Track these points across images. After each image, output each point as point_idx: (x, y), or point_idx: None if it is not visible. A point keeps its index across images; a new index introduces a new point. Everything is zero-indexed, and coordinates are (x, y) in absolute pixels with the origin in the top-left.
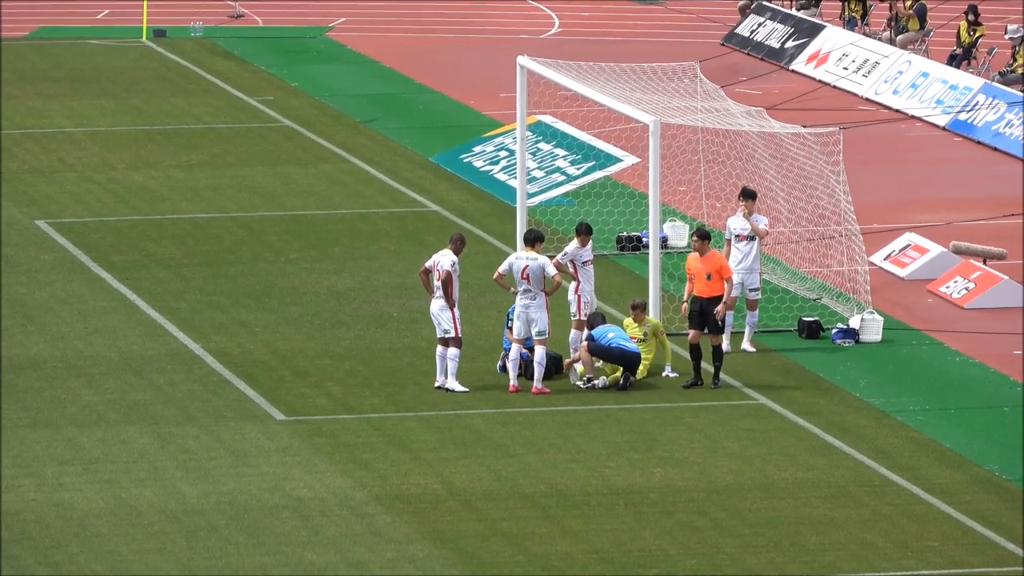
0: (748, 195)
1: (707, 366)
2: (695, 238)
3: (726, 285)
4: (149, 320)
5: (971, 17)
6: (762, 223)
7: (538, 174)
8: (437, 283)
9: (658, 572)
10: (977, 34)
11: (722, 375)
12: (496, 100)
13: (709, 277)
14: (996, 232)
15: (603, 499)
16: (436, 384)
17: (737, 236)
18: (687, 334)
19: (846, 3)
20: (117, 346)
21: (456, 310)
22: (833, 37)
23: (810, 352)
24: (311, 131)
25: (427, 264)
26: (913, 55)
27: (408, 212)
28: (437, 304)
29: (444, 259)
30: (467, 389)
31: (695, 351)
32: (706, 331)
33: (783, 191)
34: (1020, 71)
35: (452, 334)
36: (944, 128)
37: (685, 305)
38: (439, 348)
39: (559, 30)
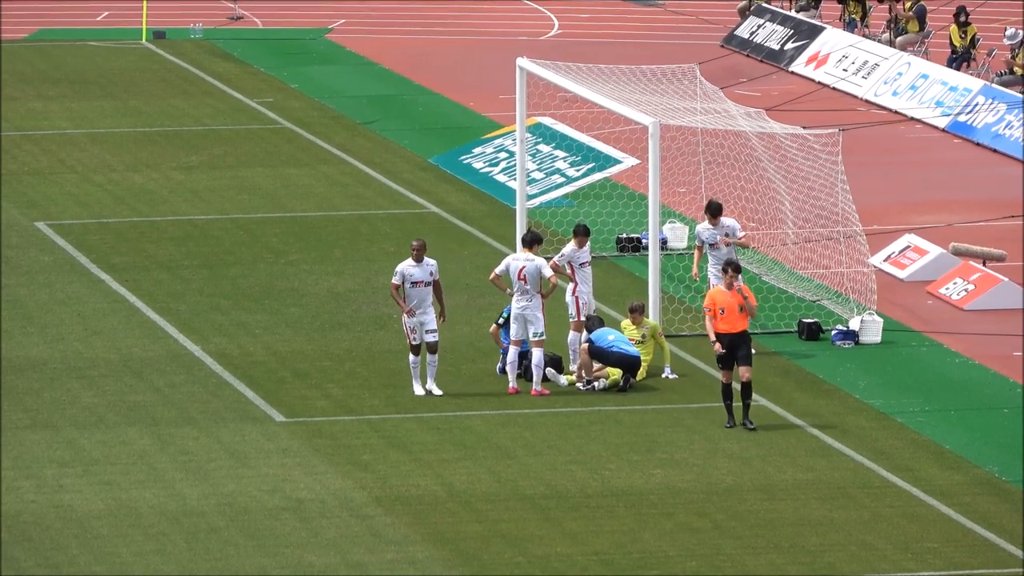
0: (715, 212)
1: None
2: (731, 271)
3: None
4: (149, 322)
5: (962, 18)
6: (737, 231)
7: (538, 176)
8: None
9: (658, 573)
10: (970, 35)
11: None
12: (496, 102)
13: (742, 309)
14: (996, 234)
15: (603, 501)
16: (419, 393)
17: (712, 244)
18: (686, 335)
19: (846, 5)
20: (117, 348)
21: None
22: (833, 39)
23: (810, 353)
24: (311, 133)
25: (395, 280)
26: (913, 57)
27: (408, 214)
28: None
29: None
30: (442, 392)
31: (728, 392)
32: (735, 365)
33: (782, 192)
34: (1019, 72)
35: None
36: (944, 130)
37: (718, 344)
38: (412, 357)
39: (558, 32)
